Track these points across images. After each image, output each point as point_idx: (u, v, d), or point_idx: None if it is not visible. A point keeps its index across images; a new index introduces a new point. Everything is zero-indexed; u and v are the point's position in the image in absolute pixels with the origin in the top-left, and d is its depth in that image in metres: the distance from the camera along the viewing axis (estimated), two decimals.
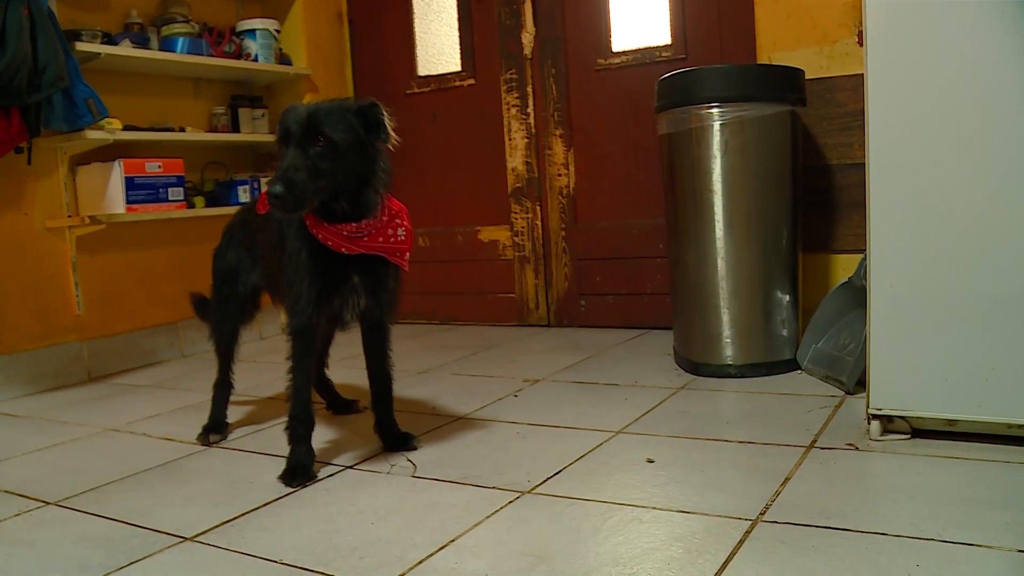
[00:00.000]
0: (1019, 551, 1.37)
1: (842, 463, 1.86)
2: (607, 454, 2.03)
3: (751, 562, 1.41)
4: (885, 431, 2.00)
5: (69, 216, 3.36)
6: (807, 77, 2.90)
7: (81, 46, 3.19)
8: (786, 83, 2.72)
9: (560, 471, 1.92)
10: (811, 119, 3.06)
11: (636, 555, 1.46)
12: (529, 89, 3.88)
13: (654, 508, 1.67)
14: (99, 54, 3.25)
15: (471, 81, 4.07)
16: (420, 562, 1.49)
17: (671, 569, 1.40)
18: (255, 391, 2.94)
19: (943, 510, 1.56)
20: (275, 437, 2.35)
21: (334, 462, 2.10)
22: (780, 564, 1.39)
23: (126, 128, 3.38)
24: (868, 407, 1.99)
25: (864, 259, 2.20)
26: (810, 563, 1.39)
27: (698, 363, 2.79)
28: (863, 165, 1.99)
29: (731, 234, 2.68)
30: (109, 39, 3.38)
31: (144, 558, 1.60)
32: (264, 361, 3.54)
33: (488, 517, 1.68)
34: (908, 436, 1.98)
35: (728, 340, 2.73)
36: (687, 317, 2.84)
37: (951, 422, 1.92)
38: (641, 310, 3.70)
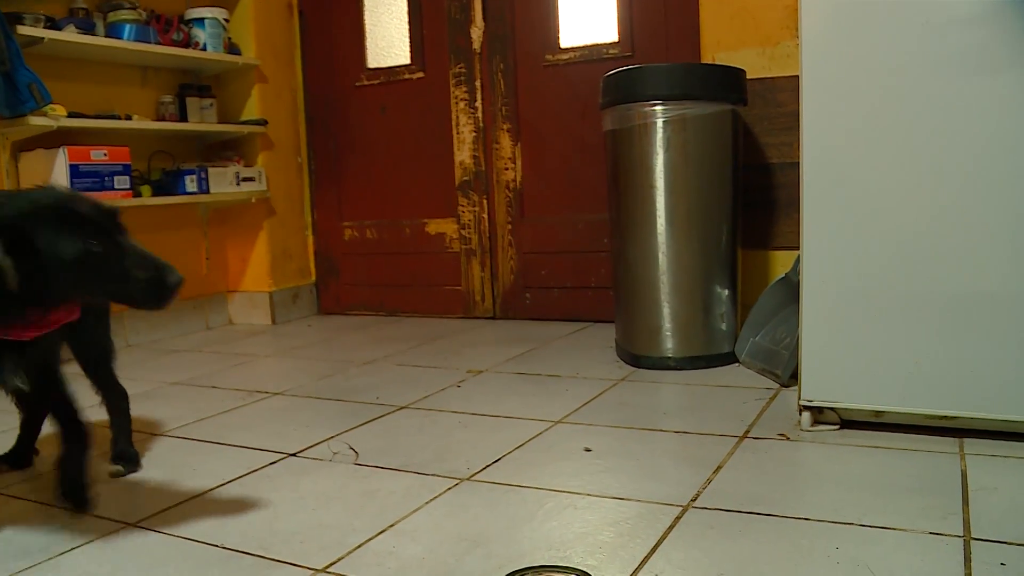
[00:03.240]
0: (931, 533, 1.44)
1: (773, 452, 1.93)
2: (546, 443, 2.07)
3: (680, 546, 1.46)
4: (816, 422, 2.07)
5: None
6: (749, 77, 2.97)
7: (23, 30, 3.14)
8: (728, 83, 2.78)
9: (499, 459, 1.96)
10: (752, 118, 3.13)
11: (569, 539, 1.50)
12: (477, 83, 3.91)
13: (589, 495, 1.71)
14: (42, 39, 3.20)
15: (420, 74, 4.08)
16: (359, 546, 1.52)
17: (602, 552, 1.44)
18: (202, 380, 2.94)
19: (865, 496, 1.63)
20: (221, 425, 2.36)
21: (277, 450, 2.11)
22: (708, 547, 1.45)
23: (71, 115, 3.33)
24: (800, 399, 2.06)
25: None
26: (736, 546, 1.44)
27: (639, 356, 2.85)
28: None
29: (672, 230, 2.74)
30: (53, 24, 3.33)
31: (86, 543, 1.60)
32: (210, 351, 3.53)
33: (427, 503, 1.71)
34: (837, 427, 2.05)
35: (668, 333, 2.79)
36: (629, 311, 2.89)
37: (878, 413, 2.00)
38: (585, 303, 3.76)
